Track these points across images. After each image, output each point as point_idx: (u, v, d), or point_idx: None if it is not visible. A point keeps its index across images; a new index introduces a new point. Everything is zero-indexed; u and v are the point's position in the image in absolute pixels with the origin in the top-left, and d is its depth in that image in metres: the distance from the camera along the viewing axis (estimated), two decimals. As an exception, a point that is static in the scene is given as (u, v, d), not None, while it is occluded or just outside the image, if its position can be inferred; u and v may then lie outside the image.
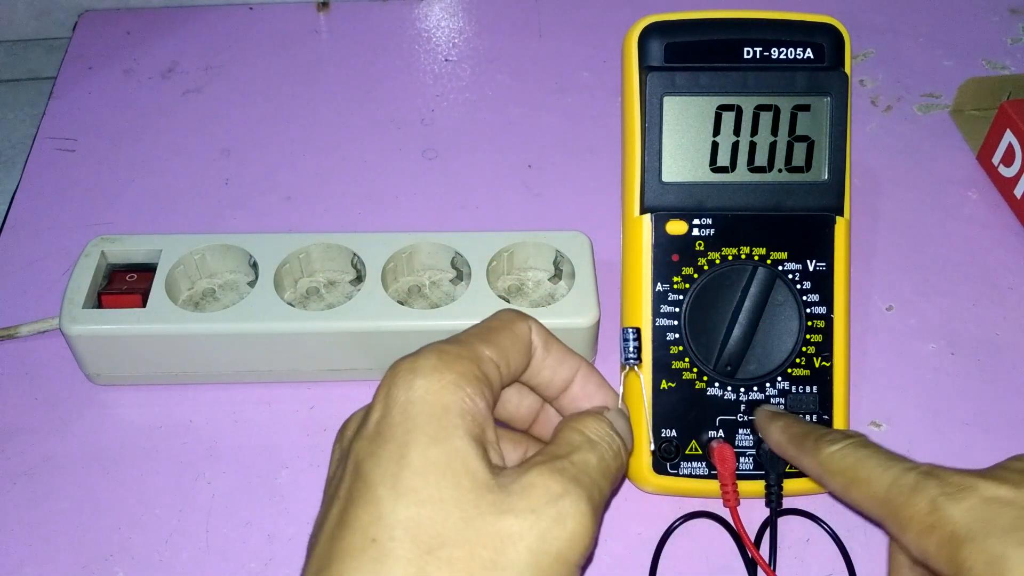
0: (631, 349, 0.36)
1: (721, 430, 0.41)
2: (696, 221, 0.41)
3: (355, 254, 0.46)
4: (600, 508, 0.29)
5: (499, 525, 0.27)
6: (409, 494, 0.26)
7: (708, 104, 0.41)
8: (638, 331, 0.36)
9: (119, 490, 0.42)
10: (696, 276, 0.41)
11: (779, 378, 0.41)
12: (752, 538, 0.40)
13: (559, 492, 0.27)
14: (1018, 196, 0.54)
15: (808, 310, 0.41)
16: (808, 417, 0.41)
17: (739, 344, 0.40)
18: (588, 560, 0.28)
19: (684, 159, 0.41)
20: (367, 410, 0.30)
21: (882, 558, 0.40)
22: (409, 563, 0.26)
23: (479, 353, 0.30)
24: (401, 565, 0.26)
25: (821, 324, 0.41)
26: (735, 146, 0.41)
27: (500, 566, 0.26)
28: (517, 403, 0.35)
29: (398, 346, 0.44)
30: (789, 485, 0.40)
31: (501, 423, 0.35)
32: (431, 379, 0.28)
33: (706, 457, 0.41)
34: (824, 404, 0.41)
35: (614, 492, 0.32)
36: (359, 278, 0.46)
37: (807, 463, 0.36)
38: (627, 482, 0.42)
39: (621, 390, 0.35)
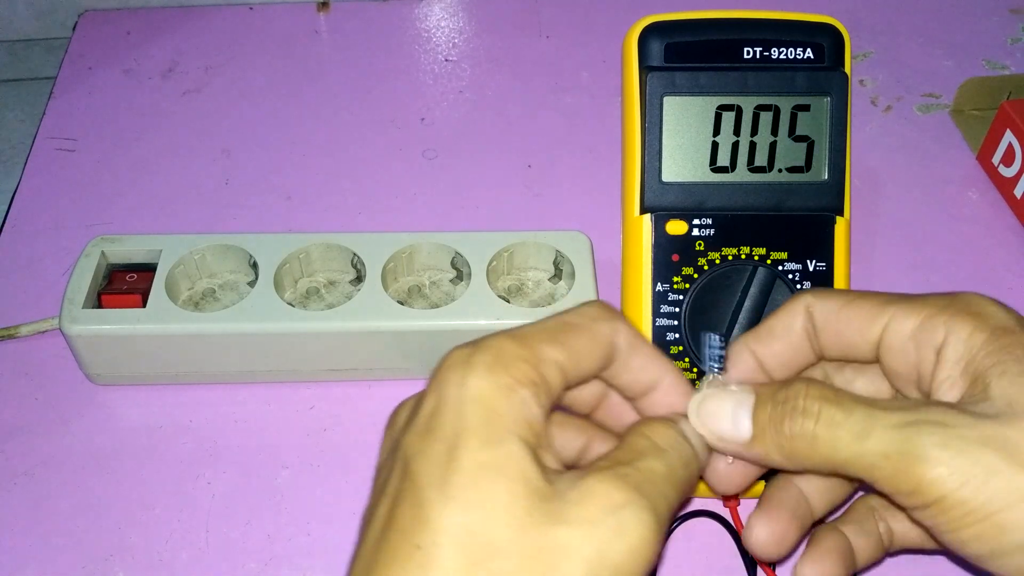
0: (716, 357, 0.33)
1: (721, 430, 0.41)
2: (696, 221, 0.41)
3: (355, 254, 0.46)
4: (666, 519, 0.27)
5: (553, 536, 0.25)
6: (458, 498, 0.25)
7: (708, 104, 0.41)
8: (724, 337, 0.34)
9: (119, 490, 0.42)
10: (696, 276, 0.41)
11: (779, 378, 0.41)
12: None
13: (620, 501, 0.26)
14: (1018, 196, 0.54)
15: (808, 310, 0.41)
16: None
17: (739, 344, 0.40)
18: (652, 574, 0.27)
19: (684, 159, 0.41)
20: (418, 399, 0.28)
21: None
22: (455, 574, 0.24)
23: (542, 354, 0.28)
24: (445, 575, 0.24)
25: (821, 324, 0.41)
26: (735, 146, 0.41)
27: None
28: (579, 389, 0.32)
29: (398, 346, 0.44)
30: (789, 485, 0.41)
31: (560, 407, 0.33)
32: (485, 379, 0.27)
33: (706, 457, 0.41)
34: (824, 404, 0.41)
35: (683, 504, 0.31)
36: (359, 278, 0.46)
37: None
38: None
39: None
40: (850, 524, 0.34)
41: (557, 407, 0.32)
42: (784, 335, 0.33)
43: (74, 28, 0.67)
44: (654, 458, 0.28)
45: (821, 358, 0.34)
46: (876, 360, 0.32)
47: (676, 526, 0.41)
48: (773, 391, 0.30)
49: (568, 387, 0.29)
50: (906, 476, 0.27)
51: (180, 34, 0.67)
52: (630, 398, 0.32)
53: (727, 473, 0.32)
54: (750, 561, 0.40)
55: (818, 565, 0.33)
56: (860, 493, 0.36)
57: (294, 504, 0.42)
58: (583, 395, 0.32)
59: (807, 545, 0.34)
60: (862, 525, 0.34)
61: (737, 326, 0.40)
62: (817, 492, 0.34)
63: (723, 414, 0.31)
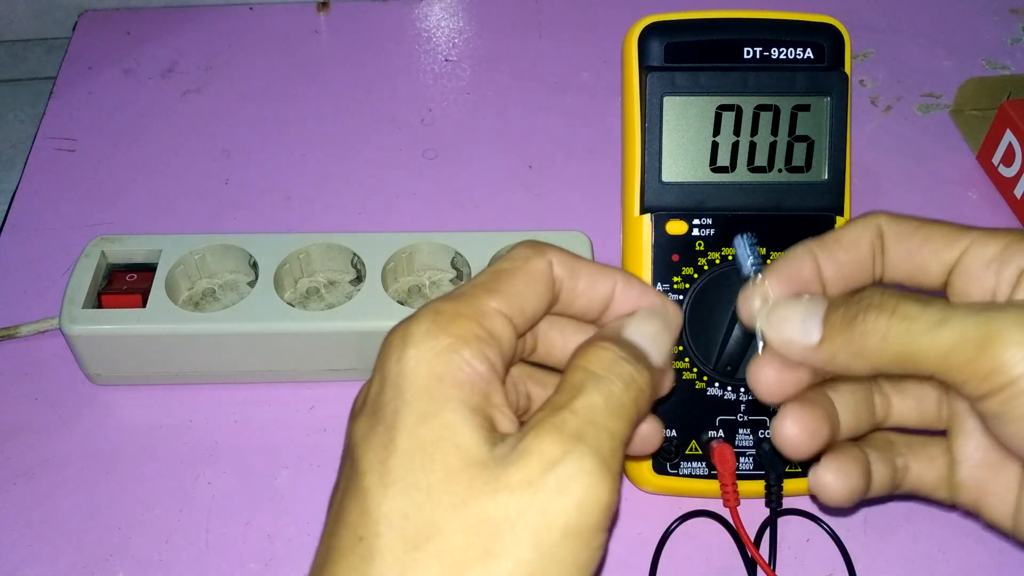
0: (755, 254, 0.32)
1: (721, 430, 0.41)
2: (696, 221, 0.41)
3: (355, 254, 0.46)
4: (615, 456, 0.26)
5: (494, 506, 0.24)
6: (396, 483, 0.24)
7: (708, 104, 0.41)
8: (754, 235, 0.33)
9: (119, 490, 0.42)
10: (696, 276, 0.41)
11: (779, 378, 0.41)
12: (752, 538, 0.40)
13: (557, 455, 0.24)
14: (1018, 196, 0.54)
15: (808, 310, 0.41)
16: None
17: (739, 344, 0.40)
18: (614, 520, 0.26)
19: (684, 159, 0.41)
20: (367, 384, 0.28)
21: (883, 558, 0.40)
22: (395, 561, 0.24)
23: (482, 307, 0.27)
24: (387, 564, 0.24)
25: (821, 324, 0.41)
26: (735, 146, 0.41)
27: (496, 554, 0.24)
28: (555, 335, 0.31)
29: (398, 346, 0.44)
30: (789, 485, 0.40)
31: (534, 363, 0.32)
32: (423, 347, 0.26)
33: (706, 457, 0.41)
34: (824, 404, 0.41)
35: (641, 421, 0.29)
36: (359, 278, 0.46)
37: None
38: (627, 482, 0.42)
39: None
40: (871, 449, 0.33)
41: (534, 364, 0.31)
42: (851, 247, 0.32)
43: (74, 28, 0.67)
44: (592, 391, 0.26)
45: (879, 281, 0.33)
46: (942, 287, 0.31)
47: (676, 526, 0.41)
48: (846, 297, 0.29)
49: (520, 334, 0.28)
50: (983, 358, 0.26)
51: (180, 34, 0.67)
52: (595, 320, 0.31)
53: (776, 380, 0.31)
54: (750, 561, 0.40)
55: (841, 472, 0.32)
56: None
57: (294, 504, 0.42)
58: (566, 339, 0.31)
59: (827, 455, 0.32)
60: (882, 452, 0.33)
61: (737, 326, 0.40)
62: (847, 409, 0.32)
63: (793, 317, 0.29)
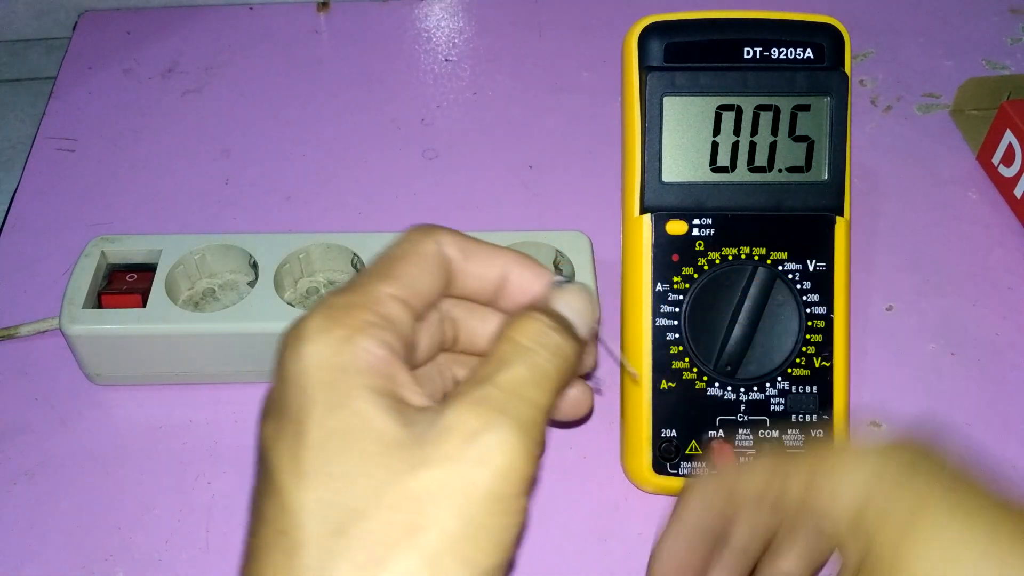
0: None
1: (721, 430, 0.41)
2: (696, 221, 0.41)
3: (355, 254, 0.46)
4: (536, 425, 0.26)
5: (415, 483, 0.24)
6: (312, 474, 0.24)
7: (708, 104, 0.41)
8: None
9: (119, 490, 0.42)
10: (696, 276, 0.41)
11: (779, 378, 0.41)
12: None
13: (477, 428, 0.24)
14: (1018, 196, 0.54)
15: (808, 310, 0.41)
16: (808, 417, 0.41)
17: (739, 344, 0.40)
18: (533, 485, 0.26)
19: (684, 159, 0.41)
20: (270, 389, 0.27)
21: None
22: (319, 549, 0.23)
23: (375, 294, 0.27)
24: (311, 553, 0.23)
25: (821, 324, 0.41)
26: (735, 146, 0.41)
27: (421, 528, 0.24)
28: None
29: (398, 346, 0.44)
30: (789, 485, 0.41)
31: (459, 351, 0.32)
32: (319, 342, 0.26)
33: (706, 457, 0.41)
34: (824, 404, 0.41)
35: (565, 388, 0.29)
36: (359, 278, 0.46)
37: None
38: (627, 482, 0.42)
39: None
40: None
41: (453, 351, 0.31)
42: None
43: (74, 28, 0.67)
44: (517, 362, 0.26)
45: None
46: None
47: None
48: None
49: (419, 316, 0.28)
50: None
51: (180, 34, 0.67)
52: (491, 303, 0.31)
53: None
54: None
55: None
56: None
57: (294, 504, 0.42)
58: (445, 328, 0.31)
59: None
60: None
61: (737, 326, 0.40)
62: None
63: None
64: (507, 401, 0.25)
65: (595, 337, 0.31)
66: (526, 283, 0.31)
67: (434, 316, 0.31)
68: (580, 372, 0.30)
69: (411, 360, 0.29)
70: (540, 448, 0.26)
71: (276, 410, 0.26)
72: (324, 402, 0.25)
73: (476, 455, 0.24)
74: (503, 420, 0.25)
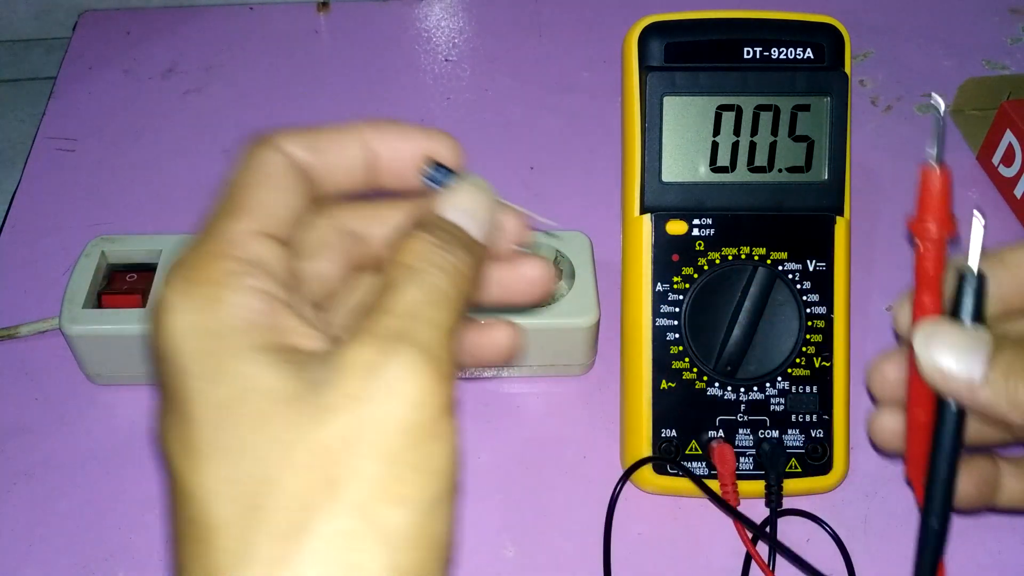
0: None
1: (721, 430, 0.41)
2: (696, 221, 0.41)
3: (355, 254, 0.46)
4: (443, 347, 0.23)
5: (324, 433, 0.21)
6: (205, 454, 0.22)
7: (708, 104, 0.41)
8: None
9: (119, 490, 0.42)
10: (696, 276, 0.41)
11: (779, 378, 0.41)
12: (752, 538, 0.40)
13: (377, 360, 0.22)
14: (1018, 196, 0.54)
15: (808, 310, 0.41)
16: (808, 417, 0.41)
17: (739, 344, 0.40)
18: (455, 406, 0.23)
19: (684, 159, 0.41)
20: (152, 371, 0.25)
21: (883, 558, 0.40)
22: (235, 529, 0.21)
23: (229, 237, 0.24)
24: (226, 534, 0.21)
25: (821, 324, 0.41)
26: (735, 146, 0.41)
27: (341, 480, 0.21)
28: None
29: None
30: (789, 485, 0.41)
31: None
32: (182, 310, 0.23)
33: (706, 457, 0.41)
34: (824, 404, 0.41)
35: (469, 302, 0.26)
36: (359, 278, 0.46)
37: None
38: (627, 482, 0.42)
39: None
40: (1008, 462, 0.32)
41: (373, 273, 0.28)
42: (1015, 267, 0.30)
43: (74, 28, 0.67)
44: (408, 285, 0.24)
45: None
46: None
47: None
48: (1019, 341, 0.28)
49: (286, 240, 0.26)
50: None
51: (180, 34, 0.67)
52: (373, 187, 0.28)
53: (889, 427, 0.30)
54: (747, 559, 0.40)
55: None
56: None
57: (294, 504, 0.42)
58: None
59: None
60: (1019, 466, 0.32)
61: (737, 326, 0.40)
62: (974, 426, 0.30)
63: (959, 347, 0.28)
64: (403, 326, 0.23)
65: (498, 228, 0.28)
66: (396, 152, 0.28)
67: (332, 238, 0.28)
68: (501, 253, 0.28)
69: (306, 293, 0.26)
70: (452, 370, 0.23)
71: (162, 400, 0.24)
72: (202, 374, 0.22)
73: (381, 388, 0.22)
74: (402, 347, 0.22)
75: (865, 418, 0.33)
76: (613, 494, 0.41)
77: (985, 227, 0.29)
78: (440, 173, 0.28)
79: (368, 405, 0.22)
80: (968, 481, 0.31)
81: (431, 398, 0.22)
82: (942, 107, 0.30)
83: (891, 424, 0.32)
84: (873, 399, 0.36)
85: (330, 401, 0.22)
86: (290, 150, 0.27)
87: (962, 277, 0.29)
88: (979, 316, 0.29)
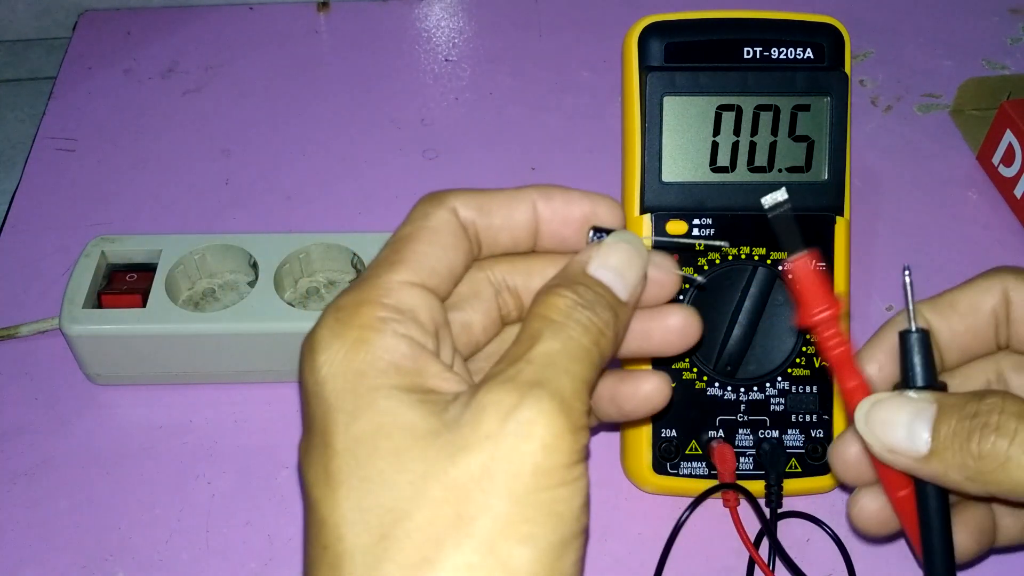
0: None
1: (721, 430, 0.41)
2: (696, 221, 0.41)
3: (355, 254, 0.46)
4: (578, 397, 0.24)
5: (455, 471, 0.23)
6: (344, 482, 0.23)
7: (708, 104, 0.41)
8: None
9: (119, 490, 0.42)
10: (696, 276, 0.41)
11: (779, 378, 0.41)
12: (752, 539, 0.40)
13: (514, 403, 0.23)
14: (1018, 196, 0.54)
15: (808, 310, 0.41)
16: (808, 417, 0.41)
17: (739, 344, 0.40)
18: (586, 455, 0.24)
19: (684, 159, 0.41)
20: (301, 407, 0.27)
21: (883, 558, 0.40)
22: (365, 557, 0.22)
23: (383, 286, 0.26)
24: (356, 562, 0.22)
25: (821, 324, 0.41)
26: (735, 146, 0.41)
27: (470, 516, 0.22)
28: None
29: (398, 346, 0.44)
30: (789, 485, 0.41)
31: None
32: (332, 349, 0.24)
33: (706, 457, 0.41)
34: (824, 404, 0.41)
35: (609, 362, 0.27)
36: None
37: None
38: (627, 482, 0.42)
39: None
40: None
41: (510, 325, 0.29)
42: (969, 313, 0.29)
43: (74, 28, 0.67)
44: (549, 338, 0.25)
45: (1003, 349, 0.30)
46: None
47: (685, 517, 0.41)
48: (961, 403, 0.26)
49: (444, 295, 0.27)
50: None
51: (180, 34, 0.67)
52: (531, 248, 0.29)
53: (848, 464, 0.29)
54: (750, 561, 0.40)
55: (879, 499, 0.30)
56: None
57: (294, 504, 0.42)
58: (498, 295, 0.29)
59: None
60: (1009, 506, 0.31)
61: (737, 326, 0.40)
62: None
63: (898, 422, 0.27)
64: (540, 374, 0.24)
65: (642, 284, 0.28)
66: (559, 215, 0.29)
67: (486, 291, 0.29)
68: (654, 298, 0.28)
69: (458, 344, 0.27)
70: (584, 421, 0.24)
71: (306, 429, 0.25)
72: (345, 408, 0.24)
73: (516, 430, 0.23)
74: (539, 392, 0.23)
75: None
76: (679, 522, 0.41)
77: (911, 283, 0.28)
78: (599, 235, 0.28)
79: (501, 445, 0.23)
80: (966, 535, 0.30)
81: (562, 443, 0.23)
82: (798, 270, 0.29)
83: (871, 505, 0.31)
84: (844, 486, 0.34)
85: (465, 440, 0.23)
86: (460, 210, 0.28)
87: (902, 338, 0.28)
88: (930, 374, 0.28)
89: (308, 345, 0.25)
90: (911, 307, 0.28)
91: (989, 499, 0.29)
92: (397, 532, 0.22)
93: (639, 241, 0.28)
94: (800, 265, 0.29)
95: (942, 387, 0.28)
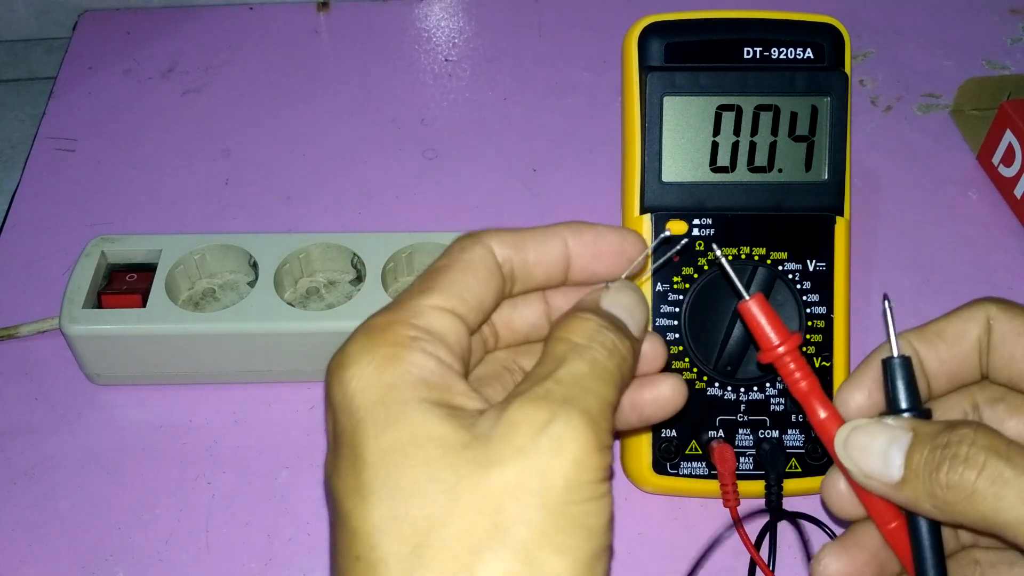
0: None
1: (721, 430, 0.41)
2: (696, 221, 0.41)
3: (355, 254, 0.46)
4: (604, 416, 0.25)
5: (489, 482, 0.23)
6: (376, 492, 0.23)
7: (708, 104, 0.41)
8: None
9: (119, 490, 0.42)
10: (696, 276, 0.41)
11: (779, 378, 0.41)
12: (752, 539, 0.40)
13: (546, 419, 0.24)
14: (1018, 196, 0.54)
15: (808, 310, 0.41)
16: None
17: (739, 344, 0.40)
18: (611, 473, 0.25)
19: (684, 159, 0.41)
20: (325, 423, 0.27)
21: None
22: (399, 565, 0.23)
23: (415, 309, 0.26)
24: (392, 570, 0.23)
25: (821, 324, 0.41)
26: (735, 146, 0.41)
27: (504, 527, 0.23)
28: (514, 315, 0.31)
29: (398, 346, 0.44)
30: (789, 485, 0.41)
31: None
32: (362, 364, 0.25)
33: (706, 457, 0.41)
34: (824, 404, 0.41)
35: (626, 385, 0.28)
36: (359, 278, 0.46)
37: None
38: (627, 482, 0.42)
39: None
40: (985, 551, 0.31)
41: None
42: (955, 342, 0.29)
43: (74, 28, 0.67)
44: (575, 359, 0.26)
45: (984, 378, 0.30)
46: None
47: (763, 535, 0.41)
48: (934, 432, 0.26)
49: (474, 325, 0.28)
50: None
51: (180, 34, 0.67)
52: (563, 284, 0.31)
53: (842, 496, 0.30)
54: (751, 563, 0.40)
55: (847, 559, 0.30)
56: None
57: (294, 504, 0.42)
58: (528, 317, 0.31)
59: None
60: (998, 552, 0.31)
61: (737, 326, 0.40)
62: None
63: (874, 449, 0.27)
64: (570, 393, 0.25)
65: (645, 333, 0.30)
66: (590, 250, 0.30)
67: (506, 378, 0.31)
68: (641, 369, 0.30)
69: (467, 371, 0.28)
70: (610, 441, 0.25)
71: (333, 442, 0.25)
72: (376, 420, 0.24)
73: (548, 445, 0.23)
74: (570, 409, 0.24)
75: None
76: (760, 533, 0.40)
77: (892, 310, 0.29)
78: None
79: (534, 459, 0.23)
80: None
81: (592, 460, 0.24)
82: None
83: (840, 484, 0.31)
84: (840, 522, 0.34)
85: (497, 452, 0.23)
86: (496, 247, 0.29)
87: (885, 366, 0.29)
88: (912, 399, 0.28)
89: (337, 361, 0.26)
90: (892, 335, 0.29)
91: (954, 527, 0.30)
92: (432, 541, 0.23)
93: (640, 290, 0.30)
94: (749, 307, 0.30)
95: (927, 413, 0.28)
